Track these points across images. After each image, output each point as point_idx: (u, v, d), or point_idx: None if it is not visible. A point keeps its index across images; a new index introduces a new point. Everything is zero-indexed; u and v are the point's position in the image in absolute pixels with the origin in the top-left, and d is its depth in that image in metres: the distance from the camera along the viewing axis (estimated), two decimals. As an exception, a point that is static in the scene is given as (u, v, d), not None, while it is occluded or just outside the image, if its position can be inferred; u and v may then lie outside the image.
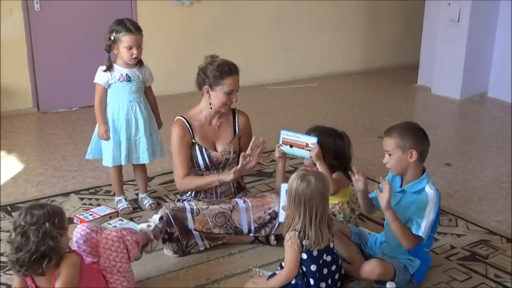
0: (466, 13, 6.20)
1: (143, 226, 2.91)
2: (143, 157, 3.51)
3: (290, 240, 2.47)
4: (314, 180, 2.45)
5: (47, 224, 2.22)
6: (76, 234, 2.61)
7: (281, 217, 2.92)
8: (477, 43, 6.35)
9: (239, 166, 3.03)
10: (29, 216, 2.22)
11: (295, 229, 2.46)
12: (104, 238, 2.56)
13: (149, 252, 2.87)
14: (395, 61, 8.04)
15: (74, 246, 2.58)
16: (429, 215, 2.62)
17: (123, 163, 3.49)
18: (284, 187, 2.86)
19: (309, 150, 2.91)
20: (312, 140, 2.90)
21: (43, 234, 2.21)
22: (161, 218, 2.95)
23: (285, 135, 2.97)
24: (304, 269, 2.50)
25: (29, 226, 2.21)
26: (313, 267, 2.49)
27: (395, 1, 7.82)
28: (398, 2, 7.85)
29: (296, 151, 2.96)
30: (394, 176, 2.80)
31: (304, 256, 2.49)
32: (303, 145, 2.92)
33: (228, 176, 3.09)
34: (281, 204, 2.94)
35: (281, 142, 2.99)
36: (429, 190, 2.66)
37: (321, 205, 2.46)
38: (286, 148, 2.98)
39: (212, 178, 3.14)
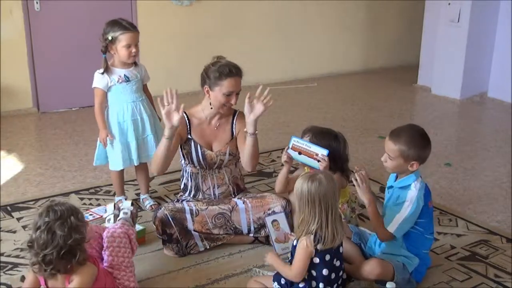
0: (466, 13, 6.21)
1: (122, 215, 2.87)
2: (152, 155, 3.51)
3: (307, 244, 2.43)
4: (324, 178, 2.45)
5: (72, 218, 2.22)
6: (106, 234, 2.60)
7: (278, 249, 2.93)
8: (477, 43, 6.35)
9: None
10: (52, 213, 2.22)
11: (311, 233, 2.43)
12: (111, 236, 2.54)
13: None
14: (395, 61, 8.04)
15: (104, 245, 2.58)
16: (404, 212, 2.64)
17: (135, 163, 3.49)
18: (269, 220, 2.83)
19: (318, 161, 2.87)
20: (322, 152, 2.86)
21: (69, 228, 2.21)
22: (132, 204, 2.93)
23: (296, 142, 2.93)
24: (314, 273, 2.48)
25: (54, 221, 2.20)
26: (325, 271, 2.47)
27: (395, 1, 7.82)
28: (398, 2, 7.86)
29: (304, 159, 2.92)
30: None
31: (317, 260, 2.46)
32: (312, 154, 2.90)
33: (166, 129, 2.93)
34: (273, 237, 2.94)
35: (290, 148, 2.95)
36: (412, 188, 2.68)
37: (335, 201, 2.47)
38: (294, 154, 2.94)
39: (161, 141, 3.00)
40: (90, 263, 2.34)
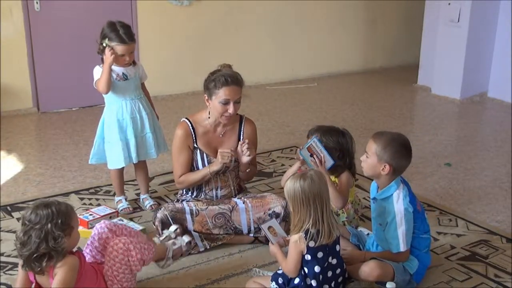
0: (466, 13, 6.20)
1: (169, 242, 2.88)
2: (151, 152, 3.52)
3: (299, 241, 2.45)
4: (315, 175, 2.47)
5: (49, 225, 2.24)
6: (95, 230, 2.62)
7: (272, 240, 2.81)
8: (477, 43, 6.35)
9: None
10: (34, 216, 2.26)
11: (305, 230, 2.44)
12: (110, 247, 2.51)
13: (161, 267, 2.85)
14: (395, 61, 8.04)
15: (88, 241, 2.60)
16: (400, 227, 2.64)
17: (134, 161, 3.49)
18: (265, 226, 2.75)
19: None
20: (328, 162, 2.91)
21: (45, 234, 2.24)
22: (189, 242, 2.93)
23: (314, 144, 2.94)
24: (306, 270, 2.49)
25: (32, 225, 2.24)
26: (316, 269, 2.48)
27: (395, 1, 7.82)
28: (398, 2, 7.86)
29: (312, 162, 2.94)
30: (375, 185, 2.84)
31: (308, 257, 2.47)
32: (320, 158, 2.92)
33: (216, 165, 3.09)
34: (273, 242, 2.73)
35: (306, 147, 2.95)
36: (396, 200, 2.66)
37: (327, 197, 2.49)
38: (307, 155, 2.95)
39: (204, 171, 3.14)
40: (69, 255, 2.34)
